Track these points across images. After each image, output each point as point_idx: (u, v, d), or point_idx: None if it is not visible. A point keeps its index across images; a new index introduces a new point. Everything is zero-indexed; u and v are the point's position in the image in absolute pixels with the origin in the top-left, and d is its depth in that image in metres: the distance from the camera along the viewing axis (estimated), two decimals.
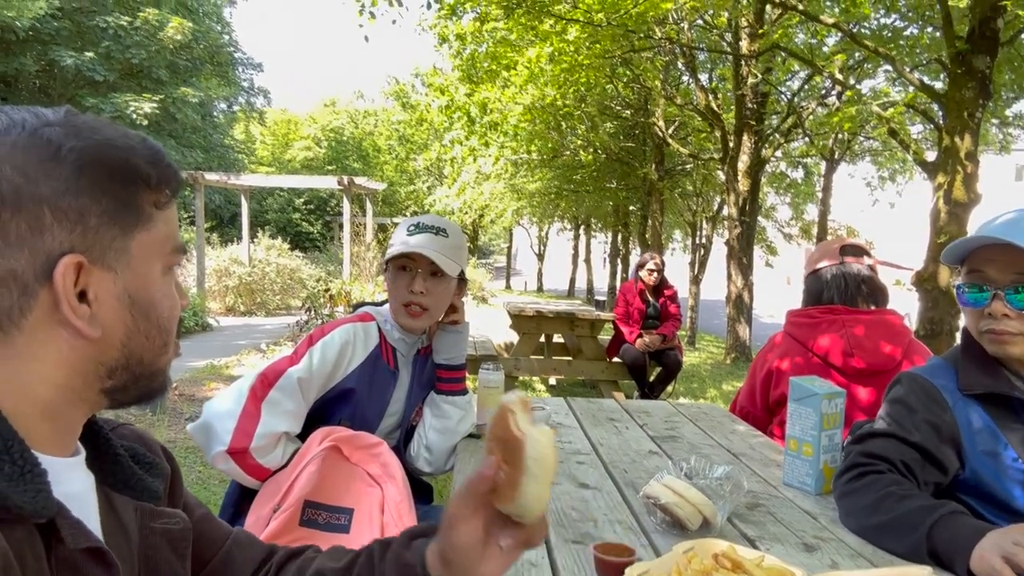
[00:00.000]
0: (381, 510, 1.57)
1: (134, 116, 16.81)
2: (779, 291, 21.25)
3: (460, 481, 1.55)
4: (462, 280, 1.88)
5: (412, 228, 1.80)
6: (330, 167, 31.47)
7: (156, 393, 0.75)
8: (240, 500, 1.71)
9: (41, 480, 0.60)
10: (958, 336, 1.52)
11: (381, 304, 1.92)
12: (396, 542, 0.88)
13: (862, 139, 14.54)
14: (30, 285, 0.62)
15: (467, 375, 1.95)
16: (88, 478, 0.72)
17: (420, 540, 0.86)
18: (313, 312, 9.68)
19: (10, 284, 0.61)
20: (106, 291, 0.66)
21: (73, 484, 0.68)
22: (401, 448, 1.89)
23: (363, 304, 1.94)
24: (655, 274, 6.26)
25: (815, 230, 16.38)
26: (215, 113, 23.15)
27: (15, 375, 0.63)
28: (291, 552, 0.97)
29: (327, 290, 10.98)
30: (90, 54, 16.90)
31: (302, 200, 31.48)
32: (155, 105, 17.19)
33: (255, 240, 15.88)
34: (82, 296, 0.65)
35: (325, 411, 1.73)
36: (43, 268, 0.62)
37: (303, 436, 1.67)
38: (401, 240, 1.78)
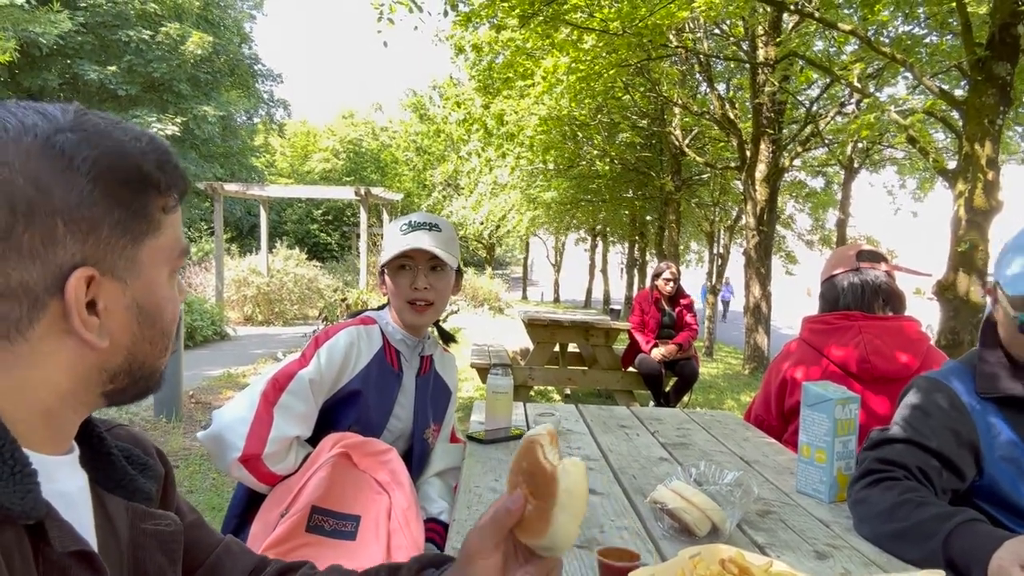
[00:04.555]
0: (388, 517, 1.55)
1: (157, 133, 17.06)
2: (799, 302, 21.06)
3: (466, 484, 1.54)
4: (459, 273, 1.89)
5: (405, 228, 1.79)
6: (348, 178, 31.68)
7: (151, 391, 0.75)
8: (246, 508, 1.69)
9: (31, 480, 0.59)
10: None
11: (380, 309, 1.91)
12: (405, 568, 0.86)
13: (882, 147, 14.41)
14: (40, 297, 0.62)
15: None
16: (81, 476, 0.71)
17: (430, 570, 0.84)
18: (330, 322, 9.73)
19: (20, 296, 0.61)
20: (115, 301, 0.66)
21: (66, 482, 0.67)
22: (409, 455, 1.87)
23: (362, 311, 1.94)
24: (671, 283, 6.22)
25: (835, 239, 16.23)
26: (236, 124, 23.41)
27: (17, 382, 0.63)
28: (285, 567, 0.95)
29: (344, 300, 11.05)
30: (112, 68, 17.19)
31: (320, 211, 31.71)
32: (178, 128, 17.47)
33: (273, 250, 16.00)
34: (91, 306, 0.64)
35: (332, 415, 1.72)
36: (54, 280, 0.62)
37: (313, 442, 1.66)
38: (395, 240, 1.78)
